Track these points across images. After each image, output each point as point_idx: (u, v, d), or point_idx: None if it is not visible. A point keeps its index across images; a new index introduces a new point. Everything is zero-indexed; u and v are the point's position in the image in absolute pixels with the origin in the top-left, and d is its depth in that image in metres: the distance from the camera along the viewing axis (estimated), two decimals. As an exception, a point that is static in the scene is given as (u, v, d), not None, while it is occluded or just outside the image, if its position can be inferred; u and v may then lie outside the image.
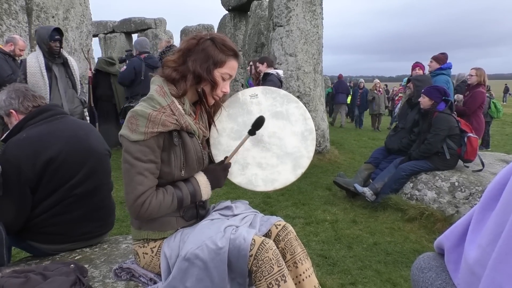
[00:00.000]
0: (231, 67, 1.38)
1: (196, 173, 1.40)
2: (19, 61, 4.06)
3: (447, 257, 0.91)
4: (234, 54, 1.38)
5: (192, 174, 1.39)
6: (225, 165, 1.43)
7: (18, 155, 1.60)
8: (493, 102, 6.92)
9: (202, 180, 1.38)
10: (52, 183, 1.67)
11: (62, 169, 1.67)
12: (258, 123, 1.42)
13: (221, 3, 11.78)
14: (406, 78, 5.99)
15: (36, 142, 1.65)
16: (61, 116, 1.80)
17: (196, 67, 1.32)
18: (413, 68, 5.33)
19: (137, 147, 1.24)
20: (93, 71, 6.15)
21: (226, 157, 1.45)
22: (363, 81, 13.02)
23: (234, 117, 1.51)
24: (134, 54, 5.54)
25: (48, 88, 3.65)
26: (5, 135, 1.75)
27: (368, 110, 12.01)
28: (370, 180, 4.21)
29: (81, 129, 1.83)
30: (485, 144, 7.57)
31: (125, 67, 5.46)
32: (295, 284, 1.32)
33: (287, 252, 1.38)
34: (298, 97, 1.28)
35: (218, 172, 1.41)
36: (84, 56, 5.98)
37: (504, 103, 24.80)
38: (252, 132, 1.42)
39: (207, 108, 1.43)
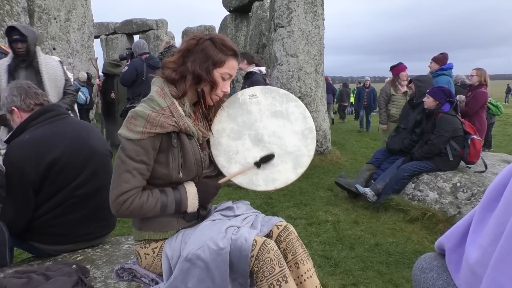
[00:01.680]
0: (231, 66, 1.37)
1: (194, 176, 1.39)
2: None
3: (448, 257, 0.91)
4: (233, 54, 1.37)
5: (191, 177, 1.38)
6: (218, 185, 1.44)
7: (22, 157, 1.61)
8: (488, 103, 6.85)
9: (191, 191, 1.37)
10: (55, 184, 1.67)
11: (65, 170, 1.68)
12: (267, 158, 1.45)
13: (223, 4, 11.80)
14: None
15: (39, 144, 1.65)
16: (64, 117, 1.81)
17: (196, 67, 1.32)
18: (400, 70, 5.25)
19: (132, 146, 1.24)
20: (101, 78, 6.24)
21: (222, 176, 1.46)
22: (368, 78, 12.40)
23: (234, 117, 1.51)
24: (135, 56, 5.56)
25: None
26: (8, 136, 1.76)
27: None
28: (372, 181, 4.20)
29: (83, 130, 1.83)
30: (488, 145, 7.54)
31: (126, 67, 5.48)
32: (297, 284, 1.32)
33: (289, 252, 1.38)
34: (299, 98, 1.28)
35: (210, 188, 1.41)
36: (93, 65, 6.08)
37: (506, 103, 24.69)
38: (258, 164, 1.45)
39: (203, 109, 1.42)
